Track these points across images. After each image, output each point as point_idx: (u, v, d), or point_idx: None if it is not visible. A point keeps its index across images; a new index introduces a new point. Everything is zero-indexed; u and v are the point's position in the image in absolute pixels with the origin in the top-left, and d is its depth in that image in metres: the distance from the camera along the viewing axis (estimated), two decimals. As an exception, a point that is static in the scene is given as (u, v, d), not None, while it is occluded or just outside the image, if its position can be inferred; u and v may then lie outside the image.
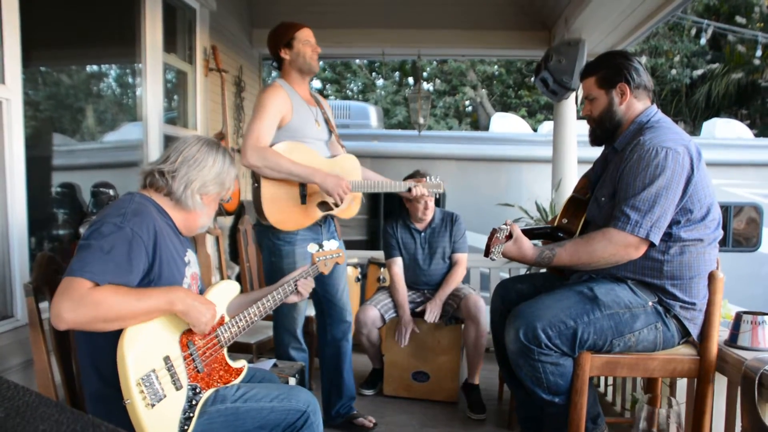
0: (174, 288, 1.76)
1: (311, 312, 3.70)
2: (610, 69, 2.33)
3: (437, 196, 3.23)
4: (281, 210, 2.86)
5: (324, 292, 3.14)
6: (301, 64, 2.94)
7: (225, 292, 1.99)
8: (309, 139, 2.92)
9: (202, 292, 2.01)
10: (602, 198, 2.30)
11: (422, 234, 3.89)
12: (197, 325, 1.74)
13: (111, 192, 3.53)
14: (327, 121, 3.05)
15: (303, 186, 2.86)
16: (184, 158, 1.91)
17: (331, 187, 2.79)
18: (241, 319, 2.00)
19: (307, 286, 2.31)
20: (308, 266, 2.36)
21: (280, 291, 2.18)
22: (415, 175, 3.66)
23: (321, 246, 2.43)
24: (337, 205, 2.93)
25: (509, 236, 2.27)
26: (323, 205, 2.93)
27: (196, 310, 1.74)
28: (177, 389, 1.73)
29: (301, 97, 2.96)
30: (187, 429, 1.75)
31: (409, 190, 3.03)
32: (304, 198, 2.88)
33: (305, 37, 2.94)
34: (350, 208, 3.02)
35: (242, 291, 2.13)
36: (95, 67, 4.30)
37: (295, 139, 2.87)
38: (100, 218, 1.72)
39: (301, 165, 2.79)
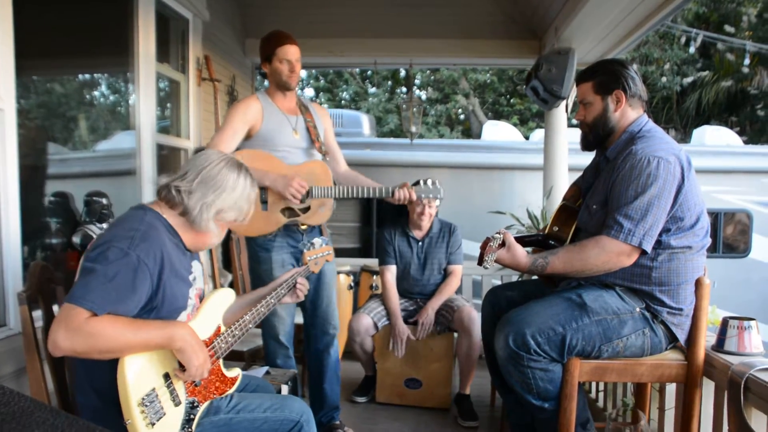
0: (175, 323, 1.72)
1: (300, 320, 3.71)
2: (608, 75, 2.35)
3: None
4: None
5: (309, 302, 3.15)
6: (277, 81, 2.99)
7: (220, 301, 1.96)
8: (281, 146, 2.96)
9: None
10: (594, 206, 2.33)
11: (420, 243, 3.90)
12: (189, 365, 1.70)
13: (104, 201, 3.53)
14: (309, 130, 3.06)
15: (264, 192, 2.88)
16: (202, 178, 1.83)
17: (281, 187, 2.82)
18: (236, 328, 1.98)
19: (304, 286, 2.32)
20: (301, 268, 2.37)
21: (273, 295, 2.18)
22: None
23: (312, 245, 2.45)
24: (303, 211, 2.94)
25: (502, 244, 2.29)
26: (289, 212, 2.93)
27: (193, 351, 1.69)
28: (176, 405, 1.73)
29: (279, 108, 3.01)
30: None
31: (392, 194, 2.93)
32: (264, 204, 2.90)
33: (283, 55, 2.95)
34: (319, 214, 2.99)
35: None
36: (88, 77, 4.31)
37: (265, 146, 2.94)
38: (107, 239, 1.67)
39: (251, 169, 2.83)
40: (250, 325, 2.05)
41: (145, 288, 1.66)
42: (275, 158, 2.94)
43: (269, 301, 2.15)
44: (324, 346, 3.21)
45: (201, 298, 1.98)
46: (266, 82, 3.10)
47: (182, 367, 1.73)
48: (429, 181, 2.99)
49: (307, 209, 2.95)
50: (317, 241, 2.49)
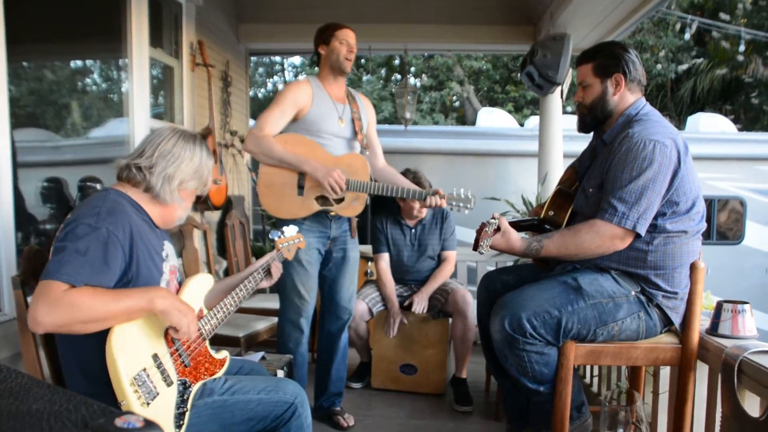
0: (154, 287, 1.74)
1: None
2: (608, 58, 2.33)
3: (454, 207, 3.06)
4: (275, 197, 2.94)
5: (328, 286, 3.20)
6: (333, 62, 3.00)
7: (200, 285, 1.98)
8: (325, 133, 2.98)
9: (181, 283, 2.02)
10: (590, 189, 2.33)
11: (412, 230, 3.90)
12: (179, 325, 1.70)
13: (98, 186, 3.52)
14: (354, 121, 3.07)
15: (301, 177, 2.91)
16: (160, 153, 1.87)
17: (320, 176, 2.83)
18: (218, 311, 2.00)
19: (277, 270, 2.33)
20: (274, 253, 2.38)
21: (251, 279, 2.19)
22: (406, 174, 3.68)
23: (282, 233, 2.47)
24: (337, 202, 2.95)
25: (497, 229, 2.29)
26: (322, 200, 2.94)
27: (177, 310, 1.70)
28: (168, 385, 1.74)
29: (329, 94, 3.03)
30: (182, 424, 1.76)
31: (424, 199, 2.97)
32: (301, 189, 2.92)
33: (344, 36, 2.99)
34: (352, 207, 3.00)
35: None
36: (81, 63, 4.28)
37: (309, 131, 2.96)
38: (74, 218, 1.69)
39: (292, 154, 2.87)
40: (232, 308, 2.07)
41: (117, 260, 1.67)
42: (318, 145, 2.95)
43: (247, 285, 2.17)
44: (337, 330, 3.26)
45: (177, 278, 2.01)
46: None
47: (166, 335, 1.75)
48: (462, 191, 3.02)
49: (341, 200, 2.96)
50: (287, 229, 2.51)
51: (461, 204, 3.02)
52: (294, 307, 3.06)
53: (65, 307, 1.50)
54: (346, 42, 2.99)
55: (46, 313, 1.49)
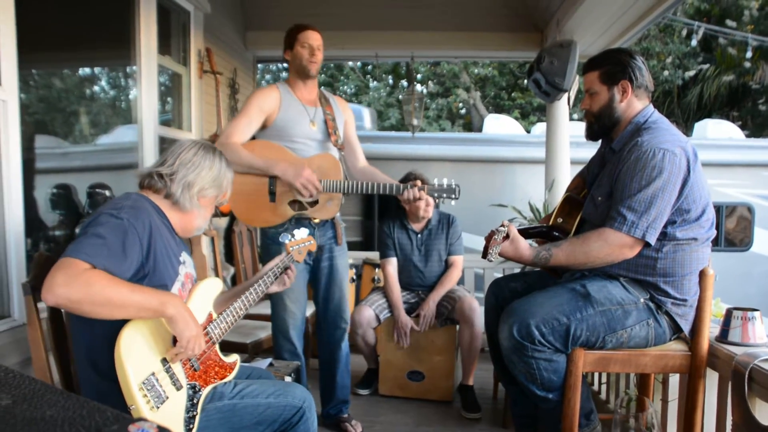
0: (171, 294, 1.76)
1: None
2: (615, 65, 2.33)
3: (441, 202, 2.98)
4: (248, 207, 2.92)
5: (321, 297, 3.17)
6: (297, 66, 2.98)
7: (209, 289, 2.00)
8: (297, 137, 2.94)
9: None
10: (599, 197, 2.32)
11: (419, 235, 3.90)
12: (181, 336, 1.71)
13: (107, 193, 3.54)
14: (327, 123, 3.03)
15: (272, 184, 2.88)
16: (181, 161, 1.94)
17: (291, 177, 2.80)
18: (228, 315, 2.02)
19: (292, 273, 2.34)
20: (283, 256, 2.38)
21: (260, 284, 2.20)
22: (409, 177, 3.68)
23: (293, 235, 2.46)
24: (311, 205, 2.92)
25: (506, 237, 2.28)
26: (295, 204, 2.92)
27: (185, 321, 1.71)
28: (177, 389, 1.74)
29: (298, 99, 2.99)
30: (192, 428, 1.77)
31: (402, 192, 2.88)
32: (273, 196, 2.89)
33: (305, 39, 2.95)
34: (327, 208, 2.96)
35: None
36: (90, 70, 4.31)
37: (280, 136, 2.93)
38: (96, 213, 1.74)
39: (261, 158, 2.84)
40: (241, 312, 2.08)
41: (135, 251, 1.70)
42: (287, 150, 2.92)
43: (257, 289, 2.18)
44: (336, 340, 3.23)
45: (192, 284, 2.01)
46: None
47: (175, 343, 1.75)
48: (445, 181, 2.93)
49: (315, 203, 2.93)
50: (298, 231, 2.50)
51: (444, 194, 2.91)
52: (281, 319, 3.05)
53: (82, 283, 1.52)
54: (308, 45, 2.95)
55: (63, 284, 1.51)
